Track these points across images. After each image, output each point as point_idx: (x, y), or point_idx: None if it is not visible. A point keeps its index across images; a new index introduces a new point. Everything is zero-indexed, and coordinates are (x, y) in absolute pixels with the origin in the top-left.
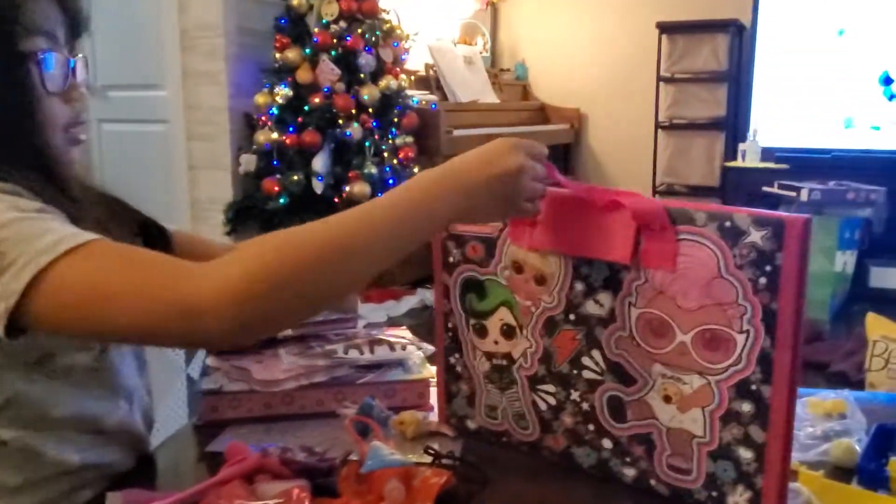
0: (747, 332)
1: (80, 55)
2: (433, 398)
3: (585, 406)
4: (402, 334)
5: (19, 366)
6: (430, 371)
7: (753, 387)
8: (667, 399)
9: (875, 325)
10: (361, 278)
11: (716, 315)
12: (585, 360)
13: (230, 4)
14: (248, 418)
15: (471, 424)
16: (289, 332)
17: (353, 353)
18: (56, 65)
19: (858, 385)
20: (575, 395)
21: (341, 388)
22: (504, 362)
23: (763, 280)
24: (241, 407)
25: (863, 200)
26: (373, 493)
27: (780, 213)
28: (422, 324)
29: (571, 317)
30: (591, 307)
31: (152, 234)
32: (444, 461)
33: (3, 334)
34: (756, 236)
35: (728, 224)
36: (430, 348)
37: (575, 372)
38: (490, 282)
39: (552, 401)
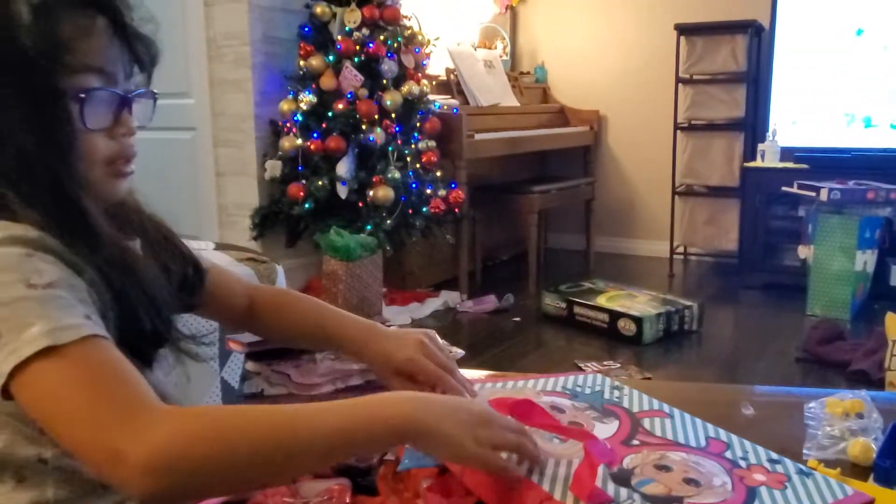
0: None
1: (143, 89)
2: None
3: None
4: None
5: None
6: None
7: None
8: None
9: (894, 324)
10: (287, 476)
11: None
12: None
13: (255, 14)
14: None
15: None
16: None
17: None
18: (104, 102)
19: (879, 384)
20: None
21: (375, 392)
22: None
23: None
24: None
25: (883, 200)
26: (409, 490)
27: None
28: (445, 326)
29: None
30: None
31: (187, 272)
32: None
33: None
34: None
35: None
36: (460, 351)
37: None
38: None
39: None
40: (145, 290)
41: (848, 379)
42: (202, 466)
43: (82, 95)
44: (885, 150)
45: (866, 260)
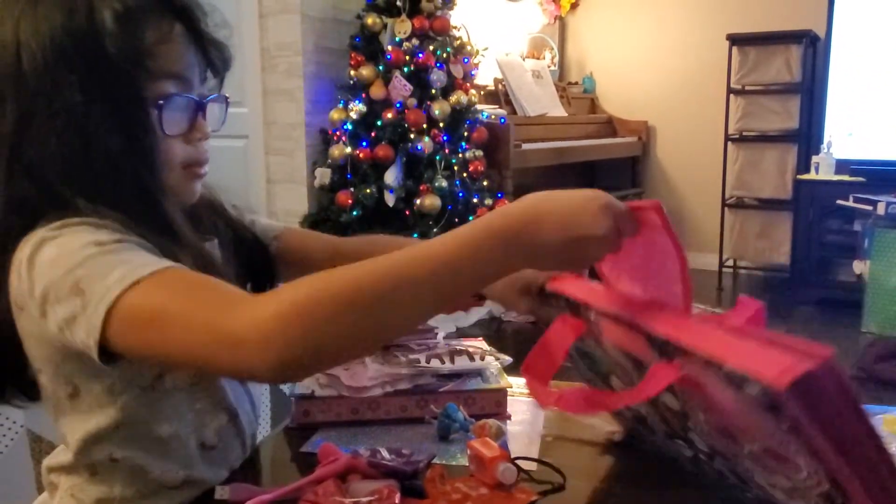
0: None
1: (216, 94)
2: (510, 407)
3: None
4: (479, 345)
5: (134, 389)
6: (508, 381)
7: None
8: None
9: None
10: (406, 323)
11: (768, 440)
12: (692, 436)
13: (308, 25)
14: (337, 422)
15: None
16: None
17: (435, 363)
18: (181, 108)
19: None
20: (703, 456)
21: (424, 396)
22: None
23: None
24: (331, 411)
25: None
26: (458, 492)
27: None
28: (490, 335)
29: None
30: (667, 399)
31: (253, 254)
32: (521, 460)
33: (103, 363)
34: (755, 389)
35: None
36: (508, 359)
37: (686, 443)
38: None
39: (688, 452)
40: None
41: None
42: (317, 326)
43: (162, 102)
44: None
45: None
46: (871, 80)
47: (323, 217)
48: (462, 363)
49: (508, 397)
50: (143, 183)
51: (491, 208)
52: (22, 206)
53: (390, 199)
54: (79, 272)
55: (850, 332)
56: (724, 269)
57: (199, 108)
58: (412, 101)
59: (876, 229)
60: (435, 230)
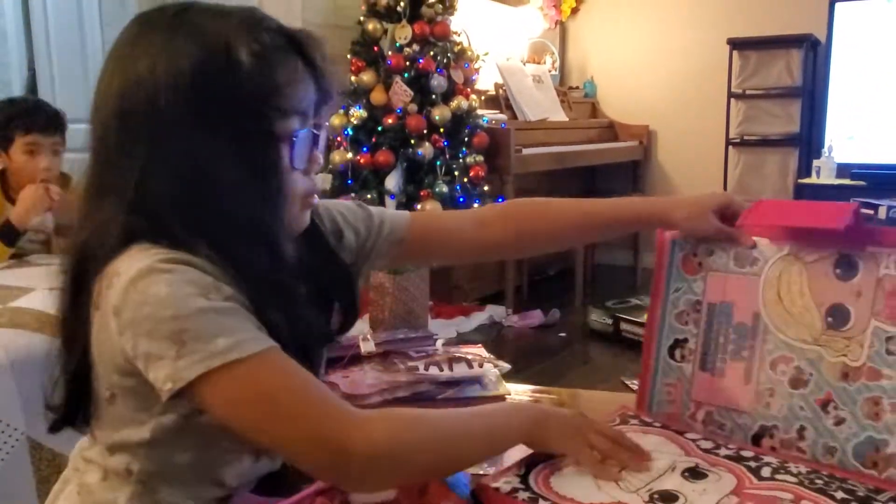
0: None
1: (323, 124)
2: None
3: None
4: (478, 352)
5: (170, 415)
6: (506, 388)
7: None
8: None
9: None
10: (461, 466)
11: None
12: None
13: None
14: None
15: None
16: (372, 348)
17: (434, 370)
18: (305, 142)
19: None
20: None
21: (423, 403)
22: None
23: None
24: None
25: None
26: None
27: None
28: (490, 340)
29: None
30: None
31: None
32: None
33: (166, 399)
34: None
35: None
36: (506, 366)
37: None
38: None
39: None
40: (296, 326)
41: None
42: (411, 457)
43: (294, 138)
44: None
45: None
46: (871, 84)
47: None
48: (461, 370)
49: None
50: (261, 218)
51: None
52: (130, 235)
53: (391, 205)
54: (185, 324)
55: None
56: None
57: (316, 139)
58: (413, 107)
59: None
60: None
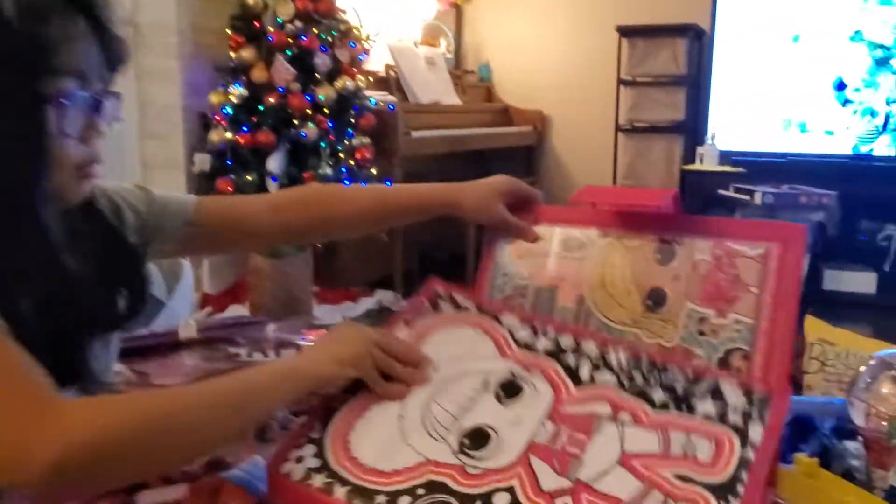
0: None
1: (111, 90)
2: None
3: None
4: (315, 337)
5: None
6: None
7: None
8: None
9: (812, 327)
10: (212, 445)
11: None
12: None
13: (184, 2)
14: None
15: None
16: (193, 334)
17: (258, 356)
18: (79, 106)
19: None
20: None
21: None
22: None
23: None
24: None
25: (815, 204)
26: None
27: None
28: (380, 325)
29: None
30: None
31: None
32: None
33: None
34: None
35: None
36: None
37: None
38: None
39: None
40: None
41: None
42: (124, 451)
43: (63, 100)
44: (819, 155)
45: None
46: (752, 73)
47: None
48: (289, 357)
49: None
50: (33, 187)
51: None
52: None
53: (273, 187)
54: None
55: None
56: None
57: (97, 105)
58: (296, 86)
59: (753, 218)
60: None
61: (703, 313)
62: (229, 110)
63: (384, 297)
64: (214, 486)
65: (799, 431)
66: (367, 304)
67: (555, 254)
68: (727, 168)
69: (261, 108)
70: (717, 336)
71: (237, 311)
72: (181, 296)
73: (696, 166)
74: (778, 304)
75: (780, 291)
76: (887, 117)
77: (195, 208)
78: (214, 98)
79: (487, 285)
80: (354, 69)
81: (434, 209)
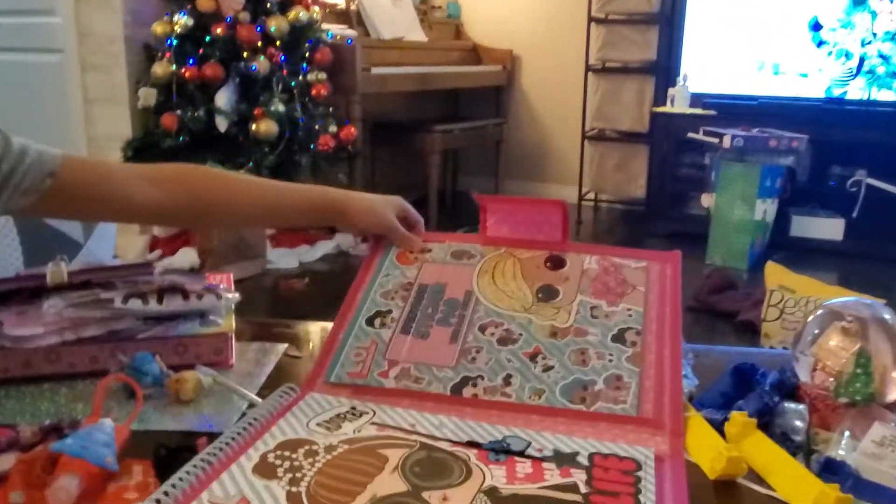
0: None
1: None
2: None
3: None
4: (217, 281)
5: None
6: (233, 323)
7: None
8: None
9: (773, 273)
10: None
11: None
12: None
13: None
14: (3, 379)
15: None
16: (63, 278)
17: (135, 304)
18: None
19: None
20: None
21: (120, 344)
22: None
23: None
24: None
25: (785, 148)
26: (43, 479)
27: None
28: (336, 270)
29: None
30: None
31: None
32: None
33: None
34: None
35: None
36: (235, 296)
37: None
38: None
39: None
40: None
41: (735, 329)
42: None
43: None
44: (791, 98)
45: (766, 209)
46: (727, 12)
47: (148, 142)
48: (172, 303)
49: (235, 342)
50: None
51: (336, 136)
52: None
53: (222, 124)
54: None
55: (695, 264)
56: (584, 202)
57: None
58: (245, 16)
59: (722, 162)
60: (272, 157)
61: (595, 303)
62: (174, 41)
63: (344, 240)
64: (48, 459)
65: (742, 384)
66: (325, 247)
67: (442, 261)
68: (698, 111)
69: (207, 39)
70: (609, 319)
71: (188, 254)
72: (100, 236)
73: (667, 108)
74: (663, 301)
75: (664, 291)
76: (861, 59)
77: (62, 162)
78: (158, 28)
79: (365, 285)
80: (310, 0)
81: (324, 214)
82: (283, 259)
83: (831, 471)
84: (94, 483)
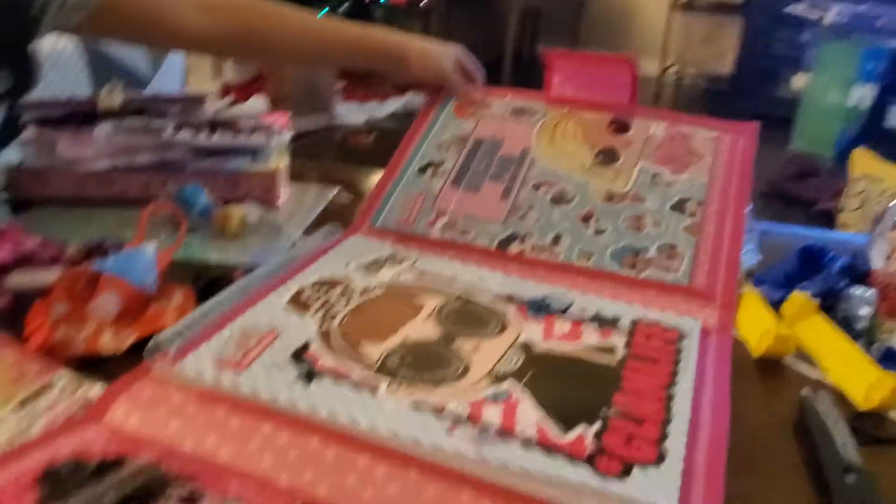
0: None
1: None
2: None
3: None
4: (272, 119)
5: None
6: (283, 162)
7: None
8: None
9: (861, 160)
10: None
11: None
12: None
13: None
14: (56, 198)
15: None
16: (115, 104)
17: (185, 134)
18: None
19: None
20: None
21: (172, 174)
22: None
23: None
24: (49, 186)
25: (894, 28)
26: (86, 295)
27: None
28: (402, 129)
29: None
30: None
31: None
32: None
33: None
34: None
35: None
36: (288, 135)
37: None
38: None
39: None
40: None
41: (810, 218)
42: None
43: None
44: None
45: (864, 95)
46: None
47: None
48: (223, 138)
49: (291, 183)
50: None
51: None
52: None
53: None
54: None
55: (776, 151)
56: (665, 76)
57: None
58: None
59: (822, 41)
60: (346, 4)
61: (657, 170)
62: None
63: (415, 99)
64: (91, 277)
65: (809, 267)
66: (394, 104)
67: (501, 115)
68: None
69: None
70: (671, 188)
71: (260, 102)
72: (167, 72)
73: None
74: (730, 173)
75: (732, 163)
76: None
77: None
78: None
79: (420, 134)
80: None
81: (378, 58)
82: (351, 114)
83: (893, 360)
84: (133, 303)
